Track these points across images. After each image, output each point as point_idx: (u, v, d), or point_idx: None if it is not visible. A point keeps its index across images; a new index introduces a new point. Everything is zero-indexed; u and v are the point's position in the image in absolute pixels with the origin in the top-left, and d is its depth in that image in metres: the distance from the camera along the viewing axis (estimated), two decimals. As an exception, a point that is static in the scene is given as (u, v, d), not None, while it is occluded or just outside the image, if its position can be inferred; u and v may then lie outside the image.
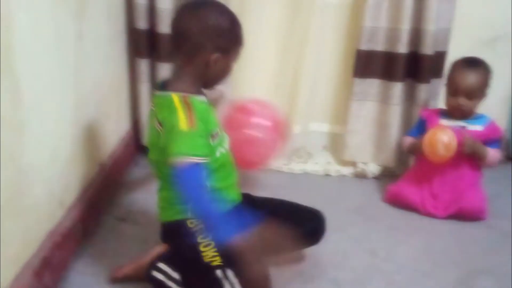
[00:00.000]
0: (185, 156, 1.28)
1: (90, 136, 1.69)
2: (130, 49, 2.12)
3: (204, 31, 1.34)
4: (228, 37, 1.38)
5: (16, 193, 1.19)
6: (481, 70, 1.89)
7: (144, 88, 2.12)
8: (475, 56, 1.93)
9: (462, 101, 1.88)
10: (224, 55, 1.37)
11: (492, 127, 1.94)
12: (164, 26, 1.99)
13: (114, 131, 2.00)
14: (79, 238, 1.55)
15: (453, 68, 1.94)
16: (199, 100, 1.38)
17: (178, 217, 1.40)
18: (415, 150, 1.97)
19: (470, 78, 1.87)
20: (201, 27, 1.34)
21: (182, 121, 1.29)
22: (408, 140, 2.02)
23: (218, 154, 1.42)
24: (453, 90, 1.91)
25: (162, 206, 1.46)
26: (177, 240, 1.40)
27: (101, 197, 1.74)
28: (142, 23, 2.03)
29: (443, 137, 1.82)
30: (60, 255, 1.40)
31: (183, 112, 1.31)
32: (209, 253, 1.34)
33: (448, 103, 1.95)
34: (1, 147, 1.10)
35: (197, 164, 1.28)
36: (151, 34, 2.06)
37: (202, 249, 1.35)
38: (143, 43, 2.07)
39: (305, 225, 1.50)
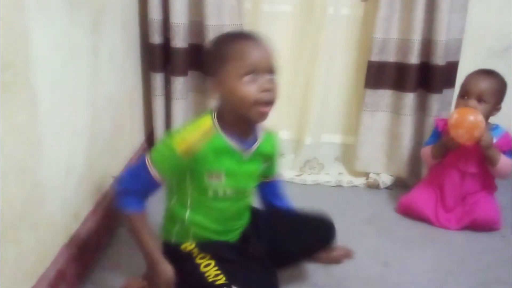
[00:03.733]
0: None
1: (105, 149, 1.72)
2: (144, 63, 2.15)
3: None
4: (212, 59, 1.33)
5: (32, 206, 1.21)
6: (494, 78, 1.87)
7: (159, 102, 2.15)
8: (489, 67, 1.92)
9: (472, 103, 1.85)
10: (217, 77, 1.31)
11: (506, 138, 1.92)
12: (178, 41, 2.03)
13: (128, 144, 2.03)
14: (93, 251, 1.57)
15: (466, 76, 1.92)
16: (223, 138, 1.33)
17: (171, 238, 1.42)
18: (439, 149, 1.94)
19: (482, 81, 1.85)
20: None
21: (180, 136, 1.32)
22: (428, 149, 1.99)
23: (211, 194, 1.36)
24: (464, 92, 1.89)
25: (162, 223, 1.48)
26: (177, 264, 1.38)
27: (115, 209, 1.76)
28: (156, 38, 2.06)
29: (470, 117, 1.80)
30: (75, 267, 1.41)
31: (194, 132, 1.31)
32: (212, 272, 1.32)
33: (457, 106, 1.92)
34: (17, 161, 1.12)
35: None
36: (165, 49, 2.08)
37: (202, 269, 1.33)
38: (157, 58, 2.10)
39: (315, 235, 1.52)
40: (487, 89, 1.85)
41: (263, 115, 1.30)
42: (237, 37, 1.33)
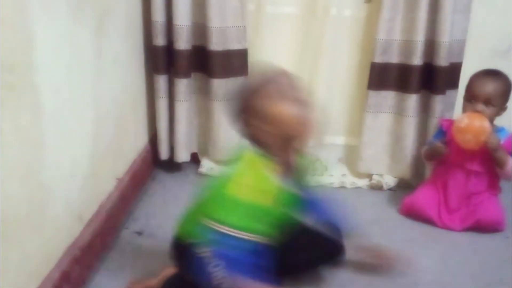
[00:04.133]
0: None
1: (108, 151, 1.72)
2: (148, 65, 2.15)
3: None
4: (243, 97, 1.33)
5: (36, 208, 1.21)
6: (500, 80, 1.86)
7: (162, 103, 2.15)
8: (492, 68, 1.91)
9: (480, 107, 1.84)
10: (250, 111, 1.29)
11: (511, 140, 1.91)
12: (181, 43, 2.03)
13: (132, 146, 2.03)
14: (97, 252, 1.57)
15: (471, 78, 1.91)
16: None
17: (187, 240, 1.34)
18: (435, 151, 1.95)
19: (489, 85, 1.84)
20: None
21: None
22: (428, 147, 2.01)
23: None
24: (471, 96, 1.87)
25: (183, 221, 1.41)
26: (185, 261, 1.34)
27: (119, 211, 1.77)
28: (159, 40, 2.06)
29: (476, 122, 1.80)
30: (79, 269, 1.42)
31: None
32: (219, 274, 1.27)
33: (465, 110, 1.91)
34: (21, 162, 1.13)
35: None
36: (169, 51, 2.09)
37: (211, 269, 1.27)
38: (160, 60, 2.10)
39: (324, 258, 1.55)
40: (494, 92, 1.84)
41: (308, 128, 1.29)
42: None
